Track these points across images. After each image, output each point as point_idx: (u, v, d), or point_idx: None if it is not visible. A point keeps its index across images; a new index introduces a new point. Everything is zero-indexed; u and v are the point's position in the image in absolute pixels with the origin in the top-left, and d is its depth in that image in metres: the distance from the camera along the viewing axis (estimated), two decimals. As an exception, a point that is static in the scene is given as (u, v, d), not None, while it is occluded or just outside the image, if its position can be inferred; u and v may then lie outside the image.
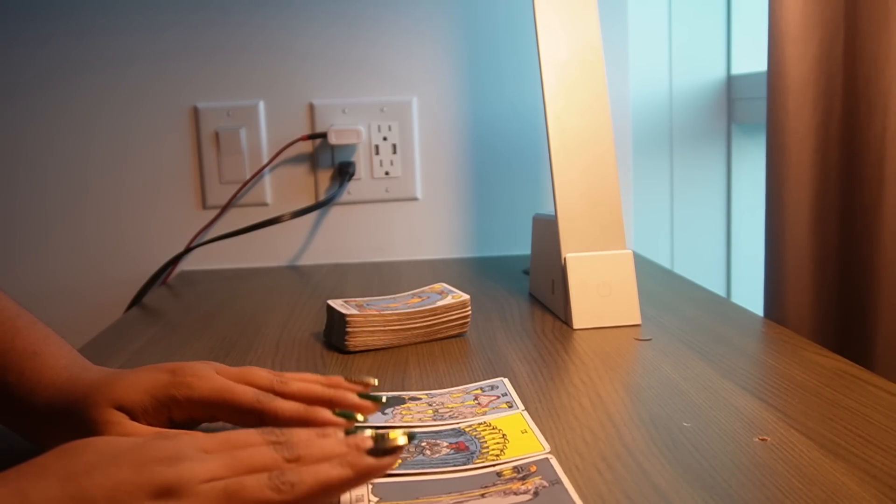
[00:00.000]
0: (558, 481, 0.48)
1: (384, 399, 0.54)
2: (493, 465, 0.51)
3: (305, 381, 0.55)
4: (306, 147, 1.25)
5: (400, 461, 0.52)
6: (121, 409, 0.50)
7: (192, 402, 0.51)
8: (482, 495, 0.47)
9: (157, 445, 0.40)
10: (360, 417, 0.51)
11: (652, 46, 1.29)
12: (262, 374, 0.54)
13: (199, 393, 0.51)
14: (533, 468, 0.50)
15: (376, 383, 0.56)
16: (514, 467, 0.50)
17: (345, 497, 0.47)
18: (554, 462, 0.50)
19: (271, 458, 0.41)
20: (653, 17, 1.28)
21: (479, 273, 1.14)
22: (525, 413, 0.59)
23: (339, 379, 0.56)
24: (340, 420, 0.50)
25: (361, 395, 0.53)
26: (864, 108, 0.79)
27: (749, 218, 1.30)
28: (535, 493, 0.46)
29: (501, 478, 0.49)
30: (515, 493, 0.46)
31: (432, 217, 1.27)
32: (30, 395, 0.52)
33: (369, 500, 0.46)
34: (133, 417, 0.51)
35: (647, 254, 1.28)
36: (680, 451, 0.52)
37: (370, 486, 0.48)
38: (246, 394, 0.51)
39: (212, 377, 0.52)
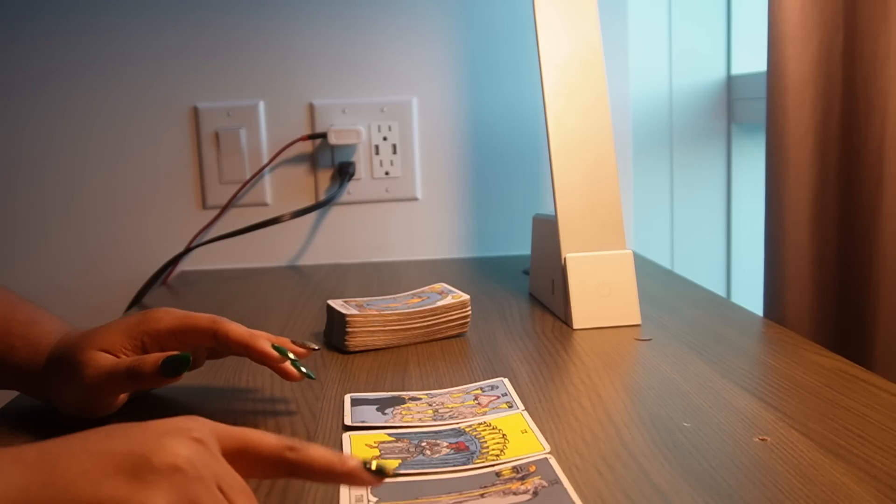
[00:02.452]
0: (557, 481, 0.48)
1: (303, 370, 0.60)
2: (493, 466, 0.51)
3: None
4: (306, 147, 1.25)
5: (400, 460, 0.52)
6: (103, 350, 0.59)
7: (158, 332, 0.60)
8: (481, 495, 0.47)
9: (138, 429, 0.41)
10: (291, 356, 0.60)
11: (652, 46, 1.29)
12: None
13: (164, 324, 0.60)
14: (532, 468, 0.50)
15: (317, 348, 0.64)
16: (514, 467, 0.50)
17: (344, 497, 0.47)
18: (553, 462, 0.50)
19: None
20: (653, 17, 1.28)
21: (479, 273, 1.14)
22: (525, 413, 0.59)
23: (286, 339, 0.63)
24: (274, 353, 0.59)
25: (294, 364, 0.60)
26: (863, 108, 0.79)
27: (749, 218, 1.30)
28: (535, 493, 0.46)
29: (501, 478, 0.49)
30: (515, 493, 0.47)
31: (432, 217, 1.27)
32: (33, 354, 0.61)
33: (369, 501, 0.47)
34: (115, 355, 0.59)
35: (647, 254, 1.28)
36: (680, 451, 0.52)
37: (369, 487, 0.48)
38: (203, 319, 0.59)
39: (175, 311, 0.61)
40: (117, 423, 0.41)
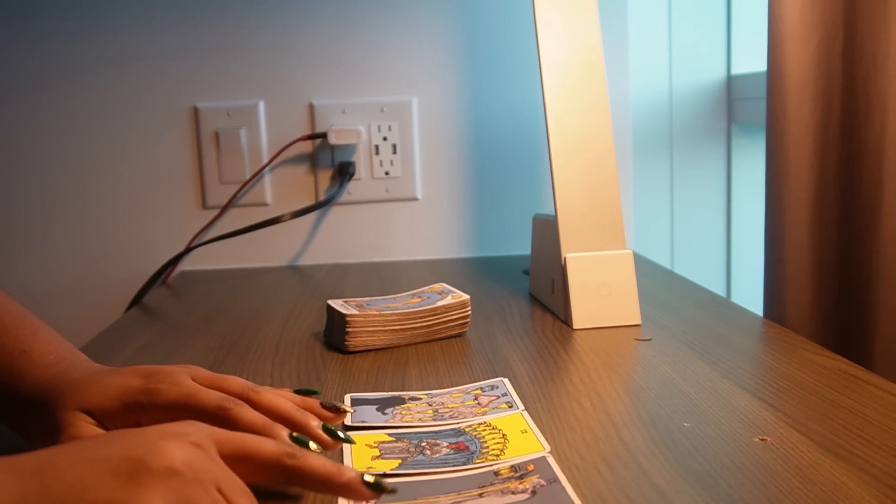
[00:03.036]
0: (556, 480, 0.48)
1: (343, 437, 0.52)
2: (492, 465, 0.51)
3: (278, 397, 0.54)
4: (306, 147, 1.25)
5: (400, 461, 0.52)
6: (88, 412, 0.51)
7: (158, 407, 0.51)
8: (480, 495, 0.47)
9: (133, 434, 0.40)
10: (313, 447, 0.49)
11: (652, 46, 1.29)
12: (237, 382, 0.54)
13: (166, 398, 0.51)
14: (531, 467, 0.50)
15: (352, 411, 0.55)
16: (512, 466, 0.50)
17: (342, 497, 0.47)
18: (551, 461, 0.50)
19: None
20: (653, 17, 1.28)
21: (479, 273, 1.14)
22: (525, 413, 0.59)
23: (315, 402, 0.55)
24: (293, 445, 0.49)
25: (324, 428, 0.52)
26: (863, 108, 0.79)
27: (749, 218, 1.30)
28: (533, 492, 0.46)
29: (499, 477, 0.49)
30: (513, 493, 0.46)
31: (432, 217, 1.27)
32: (16, 391, 0.53)
33: (367, 500, 0.46)
34: (99, 422, 0.51)
35: (647, 254, 1.28)
36: (680, 451, 0.52)
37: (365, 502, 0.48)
38: (210, 398, 0.51)
39: (182, 383, 0.52)
40: (115, 430, 0.41)
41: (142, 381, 0.52)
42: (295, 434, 0.50)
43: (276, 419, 0.51)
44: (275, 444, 0.44)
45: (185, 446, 0.39)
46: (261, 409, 0.52)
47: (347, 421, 0.59)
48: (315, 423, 0.52)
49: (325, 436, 0.51)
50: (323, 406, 0.55)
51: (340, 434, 0.52)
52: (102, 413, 0.51)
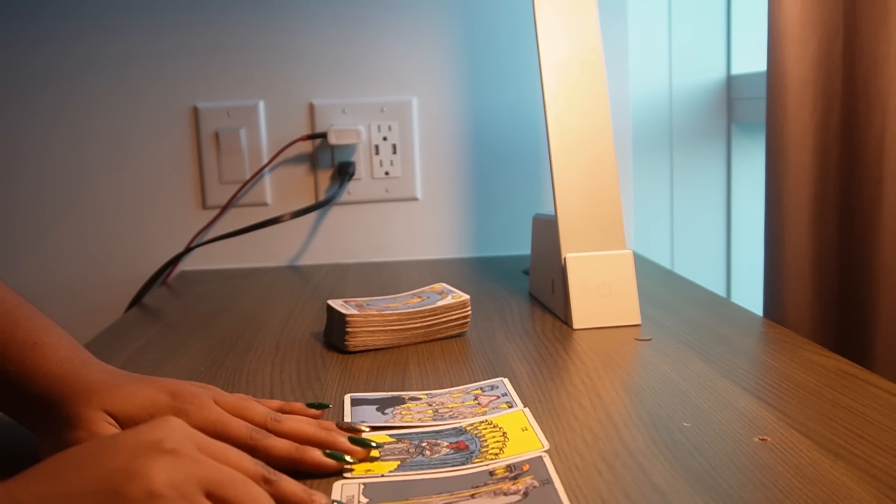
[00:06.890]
0: (549, 481, 0.48)
1: (374, 445, 0.53)
2: (488, 465, 0.51)
3: (299, 421, 0.55)
4: (306, 147, 1.25)
5: (399, 462, 0.52)
6: (111, 415, 0.52)
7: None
8: (472, 496, 0.47)
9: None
10: (349, 459, 0.51)
11: (652, 46, 1.29)
12: (258, 409, 0.55)
13: (195, 422, 0.51)
14: (526, 467, 0.50)
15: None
16: (507, 466, 0.50)
17: (336, 496, 0.47)
18: (547, 461, 0.50)
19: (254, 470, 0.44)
20: (653, 17, 1.28)
21: (479, 273, 1.14)
22: (526, 410, 0.59)
23: (331, 424, 0.56)
24: (331, 462, 0.51)
25: (352, 440, 0.53)
26: (864, 108, 0.79)
27: (749, 218, 1.30)
28: (525, 494, 0.46)
29: (493, 477, 0.49)
30: (505, 494, 0.46)
31: (432, 217, 1.27)
32: (28, 384, 0.53)
33: (360, 502, 0.47)
34: (121, 426, 0.52)
35: (647, 254, 1.27)
36: (680, 451, 0.52)
37: (361, 487, 0.48)
38: (240, 429, 0.52)
39: (209, 407, 0.53)
40: (86, 443, 0.40)
41: (169, 399, 0.53)
42: (328, 451, 0.52)
43: (303, 443, 0.52)
44: (255, 465, 0.44)
45: (161, 461, 0.37)
46: (285, 437, 0.53)
47: (347, 421, 0.59)
48: (343, 439, 0.53)
49: (357, 448, 0.53)
50: (339, 427, 0.56)
51: (372, 444, 0.53)
52: (128, 419, 0.51)
